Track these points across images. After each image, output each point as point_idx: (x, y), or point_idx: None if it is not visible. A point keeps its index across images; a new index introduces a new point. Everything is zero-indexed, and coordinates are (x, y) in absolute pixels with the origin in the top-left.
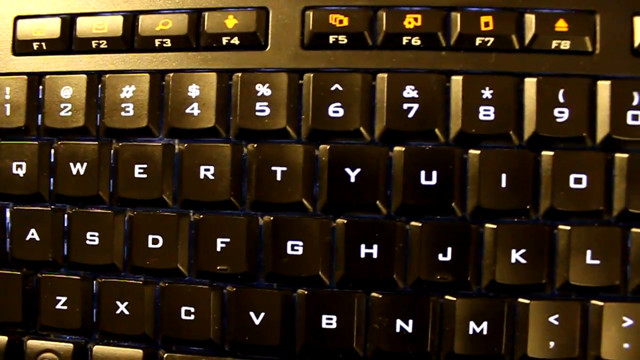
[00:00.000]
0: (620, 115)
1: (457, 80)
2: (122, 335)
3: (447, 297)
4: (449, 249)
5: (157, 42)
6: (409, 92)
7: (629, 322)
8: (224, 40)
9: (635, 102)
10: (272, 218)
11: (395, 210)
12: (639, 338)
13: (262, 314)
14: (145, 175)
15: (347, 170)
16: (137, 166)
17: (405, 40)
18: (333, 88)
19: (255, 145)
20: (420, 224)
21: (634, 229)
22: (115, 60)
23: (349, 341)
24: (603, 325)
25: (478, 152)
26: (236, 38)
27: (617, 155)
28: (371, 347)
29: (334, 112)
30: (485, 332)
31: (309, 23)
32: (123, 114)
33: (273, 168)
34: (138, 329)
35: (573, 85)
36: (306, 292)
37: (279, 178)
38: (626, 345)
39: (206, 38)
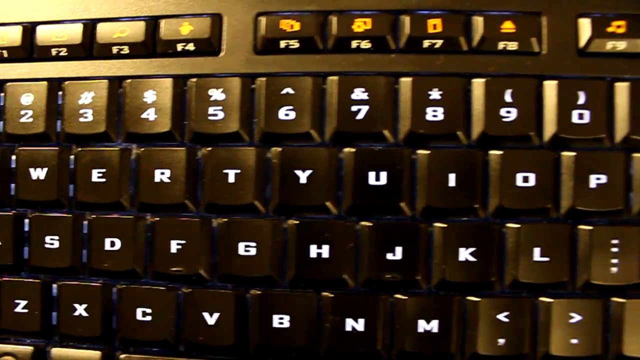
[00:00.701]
0: (566, 114)
1: (405, 82)
2: (81, 337)
3: (397, 295)
4: (399, 248)
5: (115, 49)
6: (358, 94)
7: (576, 317)
8: (179, 46)
9: (580, 102)
10: (225, 220)
11: (346, 211)
12: (586, 333)
13: (217, 315)
14: (103, 180)
15: (298, 172)
16: (95, 171)
17: (354, 43)
18: (284, 92)
19: (209, 149)
20: (370, 224)
21: (581, 226)
22: (74, 67)
23: (301, 340)
24: (552, 322)
25: (427, 152)
26: (191, 44)
27: (564, 153)
28: (323, 346)
29: (285, 115)
30: (435, 330)
31: (261, 28)
32: (82, 119)
33: (226, 171)
34: (96, 330)
35: (520, 85)
36: (259, 293)
37: (231, 180)
38: (574, 341)
39: (162, 45)
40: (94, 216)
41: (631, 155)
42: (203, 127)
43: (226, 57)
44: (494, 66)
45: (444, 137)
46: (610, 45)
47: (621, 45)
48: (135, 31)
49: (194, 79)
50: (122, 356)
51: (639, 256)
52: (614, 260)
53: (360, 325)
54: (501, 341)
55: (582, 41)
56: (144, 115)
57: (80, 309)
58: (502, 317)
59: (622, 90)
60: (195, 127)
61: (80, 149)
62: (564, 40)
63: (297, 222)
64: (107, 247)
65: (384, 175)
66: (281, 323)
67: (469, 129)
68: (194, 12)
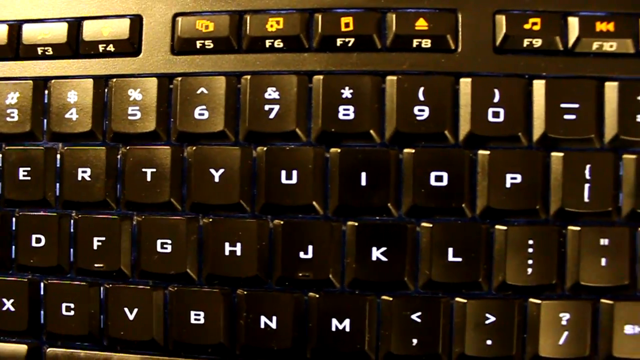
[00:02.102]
0: (481, 112)
1: (318, 80)
2: (9, 332)
3: (310, 294)
4: (310, 247)
5: (39, 50)
6: (271, 93)
7: (491, 318)
8: (101, 47)
9: (496, 100)
10: (143, 217)
11: (259, 209)
12: (500, 334)
13: (136, 310)
14: (29, 178)
15: (212, 171)
16: (21, 169)
17: (268, 43)
18: (199, 91)
19: (128, 148)
20: (282, 222)
21: (497, 226)
22: (0, 68)
23: (216, 336)
24: (467, 323)
25: (339, 150)
26: (111, 45)
27: (480, 152)
28: (239, 343)
29: (200, 114)
30: (347, 329)
31: (178, 29)
32: (8, 119)
33: (144, 170)
34: (23, 325)
35: (434, 83)
36: (175, 289)
37: (149, 179)
38: (489, 342)
39: (84, 46)
40: (21, 213)
41: (549, 154)
42: (122, 127)
43: (145, 58)
44: (407, 64)
45: (356, 136)
46: (526, 42)
47: (537, 42)
48: (57, 33)
49: (114, 80)
50: (49, 350)
51: (556, 257)
52: (530, 261)
53: (273, 323)
54: (414, 341)
55: (499, 38)
56: (67, 115)
57: (8, 304)
58: (415, 317)
59: (539, 87)
60: (115, 126)
61: (6, 147)
62: (480, 37)
63: (211, 220)
64: (34, 243)
65: (295, 174)
66: (197, 319)
67: (382, 127)
68: (116, 13)
